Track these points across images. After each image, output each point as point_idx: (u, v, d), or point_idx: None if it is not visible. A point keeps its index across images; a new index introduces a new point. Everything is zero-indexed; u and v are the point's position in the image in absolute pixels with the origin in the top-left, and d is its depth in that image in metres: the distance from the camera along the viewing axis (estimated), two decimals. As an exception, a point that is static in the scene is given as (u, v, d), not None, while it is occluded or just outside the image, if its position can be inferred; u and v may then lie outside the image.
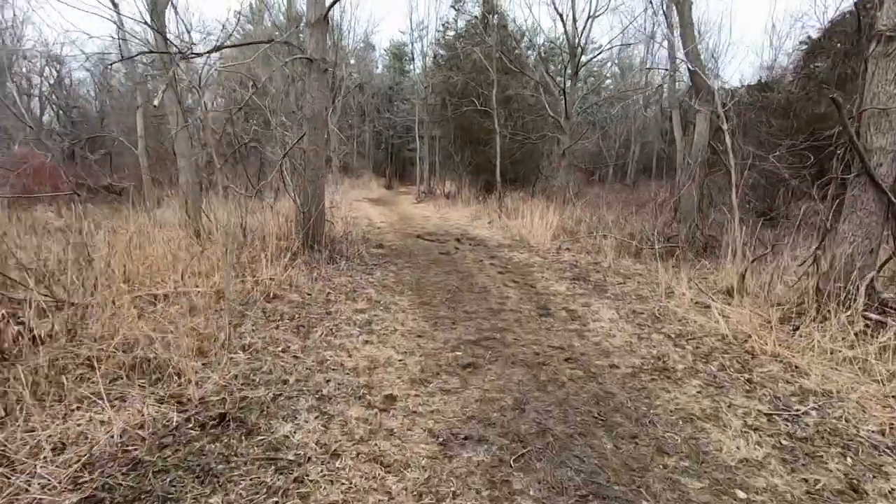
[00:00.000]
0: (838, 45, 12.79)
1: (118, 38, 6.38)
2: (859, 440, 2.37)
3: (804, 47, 14.10)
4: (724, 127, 4.88)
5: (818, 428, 2.48)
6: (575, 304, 4.75)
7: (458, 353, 3.41)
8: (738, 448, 2.31)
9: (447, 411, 2.55)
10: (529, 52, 18.26)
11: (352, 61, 30.07)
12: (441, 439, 2.27)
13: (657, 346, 3.64)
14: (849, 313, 3.55)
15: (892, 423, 2.46)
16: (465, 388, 2.86)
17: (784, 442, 2.36)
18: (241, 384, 2.57)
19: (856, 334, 3.39)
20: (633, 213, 9.82)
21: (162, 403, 2.28)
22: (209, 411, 2.25)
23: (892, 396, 2.74)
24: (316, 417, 2.33)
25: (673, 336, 3.84)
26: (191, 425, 2.13)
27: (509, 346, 3.58)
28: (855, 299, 3.66)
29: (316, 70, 6.01)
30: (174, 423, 2.12)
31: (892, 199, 3.74)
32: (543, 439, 2.33)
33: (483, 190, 16.18)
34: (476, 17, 17.66)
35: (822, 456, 2.25)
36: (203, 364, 2.73)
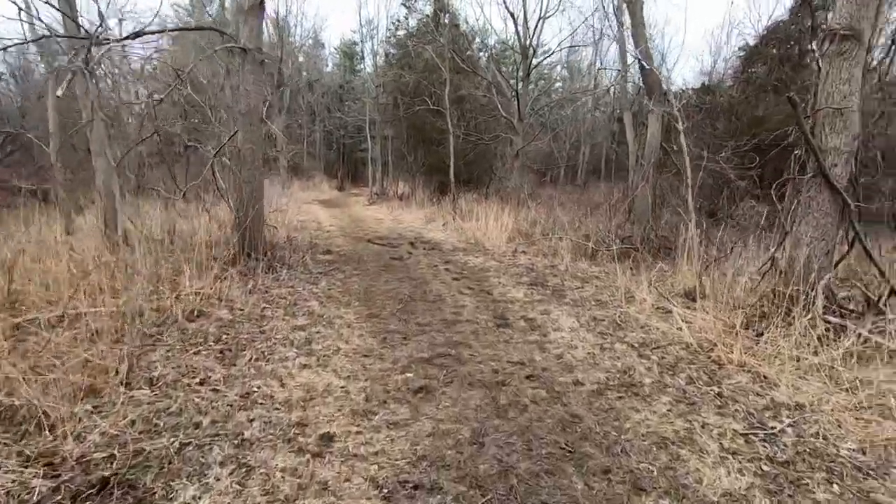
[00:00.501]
0: (774, 51, 13.37)
1: (21, 21, 5.58)
2: (841, 461, 2.19)
3: (742, 53, 14.69)
4: (680, 127, 4.78)
5: (797, 448, 2.29)
6: (534, 311, 4.49)
7: (408, 374, 3.05)
8: (718, 479, 2.08)
9: (394, 451, 2.18)
10: (481, 53, 18.15)
11: (300, 59, 29.07)
12: (385, 491, 1.90)
13: (621, 357, 3.42)
14: (810, 317, 3.46)
15: (871, 440, 2.31)
16: (416, 419, 2.50)
17: (765, 468, 2.15)
18: (139, 432, 2.10)
19: (818, 339, 3.29)
20: (586, 215, 9.79)
21: (27, 467, 1.79)
22: (89, 474, 1.78)
23: (864, 407, 2.62)
24: (231, 473, 1.90)
25: (636, 345, 3.63)
26: (60, 497, 1.66)
27: (465, 364, 3.25)
28: (814, 302, 3.58)
29: (251, 61, 5.47)
30: (36, 497, 1.64)
31: (847, 200, 3.70)
32: (506, 482, 2.01)
33: (437, 191, 15.87)
34: (427, 15, 17.35)
35: (807, 483, 2.05)
36: (93, 407, 2.23)
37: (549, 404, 2.73)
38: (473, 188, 15.99)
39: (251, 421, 2.32)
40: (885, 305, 3.62)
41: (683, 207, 5.28)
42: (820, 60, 3.98)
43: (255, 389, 2.65)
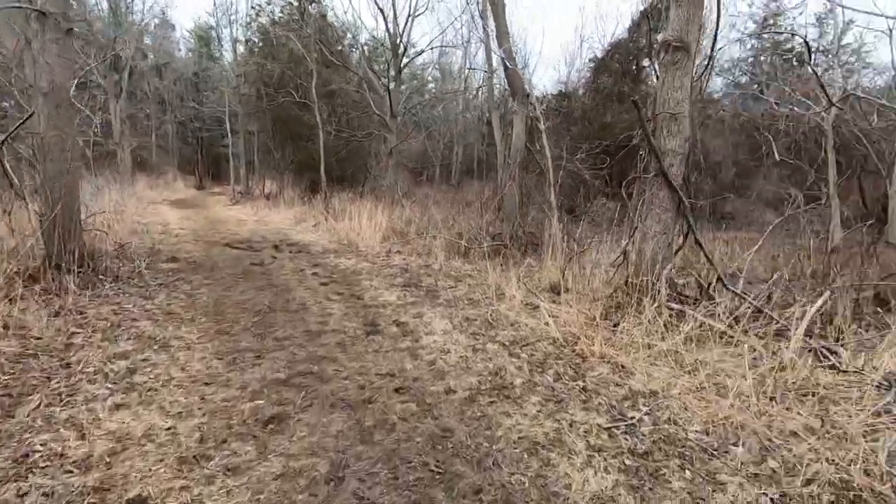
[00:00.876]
0: (617, 65, 14.92)
1: None
2: (690, 445, 2.31)
3: (592, 65, 16.19)
4: (542, 127, 4.93)
5: (654, 437, 2.37)
6: (406, 315, 4.28)
7: (258, 402, 2.62)
8: (587, 481, 2.04)
9: (229, 507, 1.78)
10: (353, 49, 17.57)
11: (147, 41, 25.58)
12: (211, 565, 1.51)
13: (493, 358, 3.35)
14: (656, 305, 3.74)
15: (712, 420, 2.48)
16: (264, 457, 2.11)
17: (628, 462, 2.18)
18: None
19: (665, 325, 3.56)
20: (459, 213, 9.92)
21: None
22: None
23: (704, 387, 2.83)
24: (-28, 583, 1.36)
25: (507, 344, 3.61)
26: None
27: (329, 382, 2.91)
28: (659, 291, 3.89)
29: (53, 28, 4.44)
30: None
31: (682, 196, 4.08)
32: (366, 524, 1.74)
33: (308, 190, 15.02)
34: (291, 3, 16.27)
35: (664, 473, 2.10)
36: None
37: (420, 419, 2.52)
38: (348, 186, 15.44)
39: (22, 496, 1.72)
40: (714, 291, 4.07)
41: (547, 205, 5.49)
42: (658, 69, 4.35)
43: (39, 448, 2.02)
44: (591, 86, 15.32)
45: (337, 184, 15.05)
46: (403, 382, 2.94)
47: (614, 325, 3.72)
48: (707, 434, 2.40)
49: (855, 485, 1.95)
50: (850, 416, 2.39)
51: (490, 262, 5.66)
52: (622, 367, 3.15)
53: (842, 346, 3.41)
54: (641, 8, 13.35)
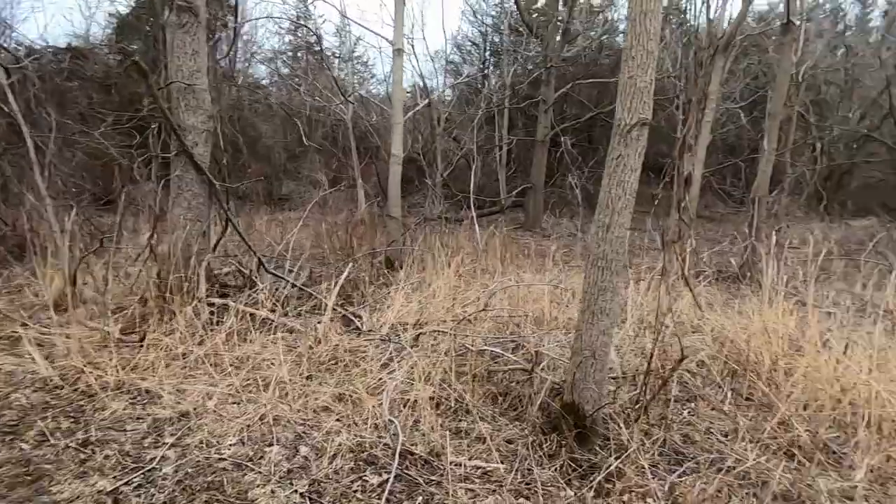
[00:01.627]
0: (147, 27, 13.01)
1: None
2: (223, 466, 2.00)
3: (114, 21, 13.59)
4: (4, 81, 3.43)
5: (179, 475, 1.93)
6: None
7: None
8: None
9: None
10: None
11: None
12: None
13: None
14: (193, 304, 3.27)
15: (248, 425, 2.26)
16: None
17: (137, 530, 1.66)
18: None
19: (205, 326, 3.16)
20: None
21: None
22: None
23: (242, 389, 2.60)
24: None
25: (-48, 412, 2.31)
26: None
27: None
28: (198, 287, 3.43)
29: None
30: None
31: (212, 179, 3.72)
32: None
33: None
34: None
35: (186, 522, 1.71)
36: None
37: None
38: None
39: None
40: (256, 277, 3.96)
41: (36, 190, 3.99)
42: (166, 33, 3.74)
43: None
44: (116, 47, 12.79)
45: None
46: None
47: (140, 340, 3.01)
48: (243, 443, 2.16)
49: (367, 444, 2.14)
50: (366, 375, 2.69)
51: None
52: (146, 391, 2.53)
53: (364, 308, 3.97)
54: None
